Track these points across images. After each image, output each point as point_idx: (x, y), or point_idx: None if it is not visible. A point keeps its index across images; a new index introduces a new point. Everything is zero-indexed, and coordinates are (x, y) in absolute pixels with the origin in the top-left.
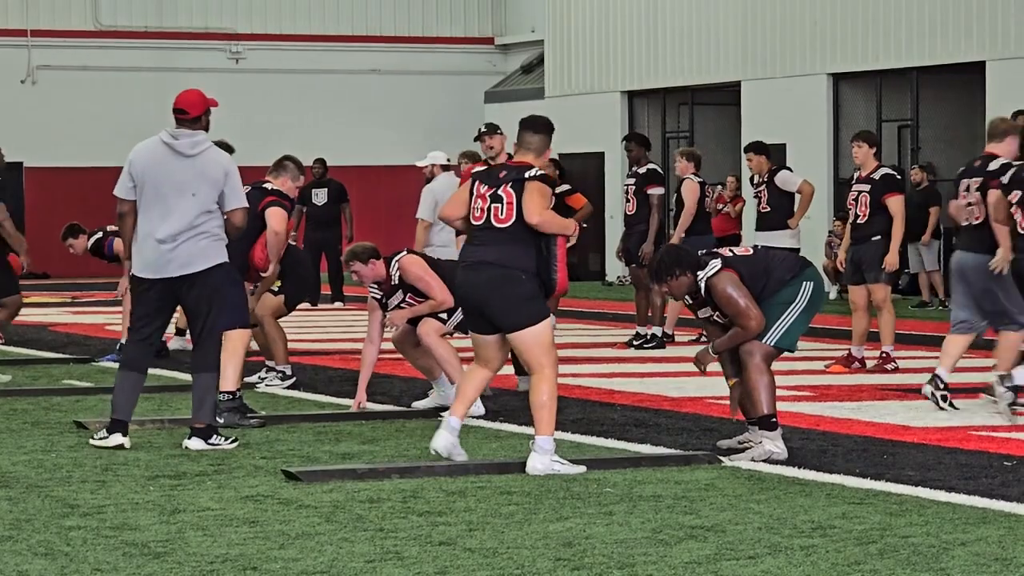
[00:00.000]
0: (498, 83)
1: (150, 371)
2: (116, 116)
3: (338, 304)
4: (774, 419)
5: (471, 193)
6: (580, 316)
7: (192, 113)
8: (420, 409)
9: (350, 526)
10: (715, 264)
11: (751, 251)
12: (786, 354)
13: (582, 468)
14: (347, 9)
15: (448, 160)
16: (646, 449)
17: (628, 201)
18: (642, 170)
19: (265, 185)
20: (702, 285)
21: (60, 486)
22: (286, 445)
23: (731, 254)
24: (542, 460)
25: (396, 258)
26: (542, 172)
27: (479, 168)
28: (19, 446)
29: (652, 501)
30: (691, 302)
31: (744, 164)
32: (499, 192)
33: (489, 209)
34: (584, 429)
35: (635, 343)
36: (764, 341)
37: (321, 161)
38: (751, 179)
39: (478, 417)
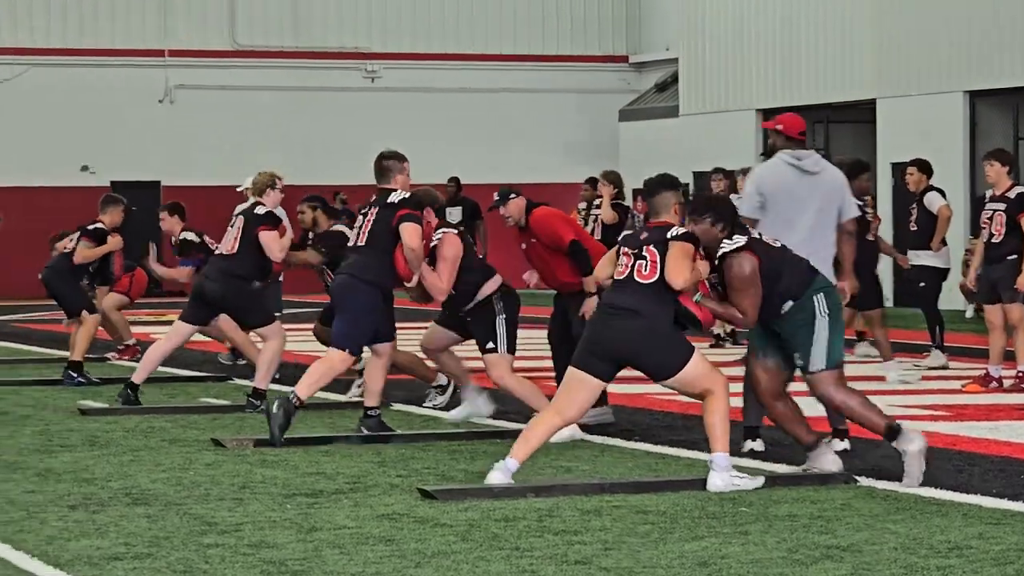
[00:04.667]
0: (632, 101)
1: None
2: (252, 135)
3: None
4: (894, 423)
5: (617, 255)
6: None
7: (802, 134)
8: (455, 420)
9: (486, 545)
10: (739, 241)
11: (775, 244)
12: (904, 382)
13: (760, 480)
14: (481, 28)
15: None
16: (782, 468)
17: None
18: None
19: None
20: (721, 251)
21: (198, 504)
22: (422, 463)
23: (758, 236)
24: (721, 477)
25: (445, 229)
26: (684, 231)
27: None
28: (157, 464)
29: (788, 520)
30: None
31: (879, 182)
32: (643, 252)
33: (633, 266)
34: None
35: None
36: (815, 370)
37: (455, 180)
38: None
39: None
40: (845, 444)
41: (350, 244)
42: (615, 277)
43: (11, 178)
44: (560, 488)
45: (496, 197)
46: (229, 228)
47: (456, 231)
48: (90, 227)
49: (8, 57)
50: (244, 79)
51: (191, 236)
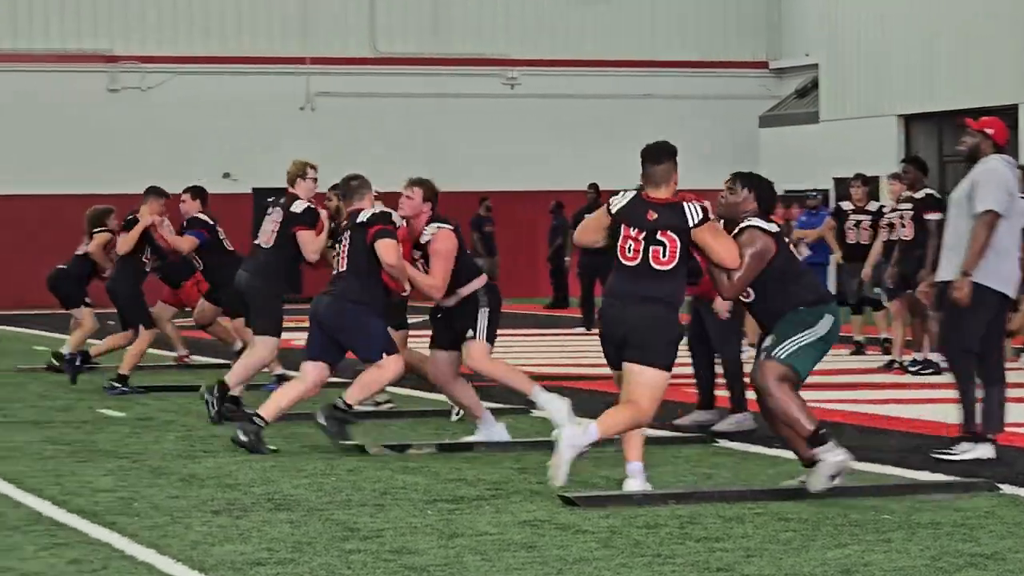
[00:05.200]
0: (772, 107)
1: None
2: (391, 142)
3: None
4: (821, 431)
5: (616, 232)
6: (842, 341)
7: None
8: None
9: (627, 552)
10: (771, 226)
11: (800, 256)
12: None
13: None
14: (622, 34)
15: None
16: (924, 476)
17: (904, 226)
18: (919, 195)
19: (361, 219)
20: (748, 223)
21: (340, 509)
22: None
23: (786, 241)
24: (568, 448)
25: (439, 224)
26: (702, 213)
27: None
28: (299, 469)
29: (931, 528)
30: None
31: None
32: (657, 236)
33: (646, 251)
34: (861, 456)
35: (911, 368)
36: (775, 354)
37: (594, 186)
38: None
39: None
40: (990, 451)
41: (334, 272)
42: (623, 262)
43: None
44: (702, 495)
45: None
46: (267, 216)
47: (451, 227)
48: (124, 220)
49: (152, 65)
50: (384, 86)
51: (203, 217)
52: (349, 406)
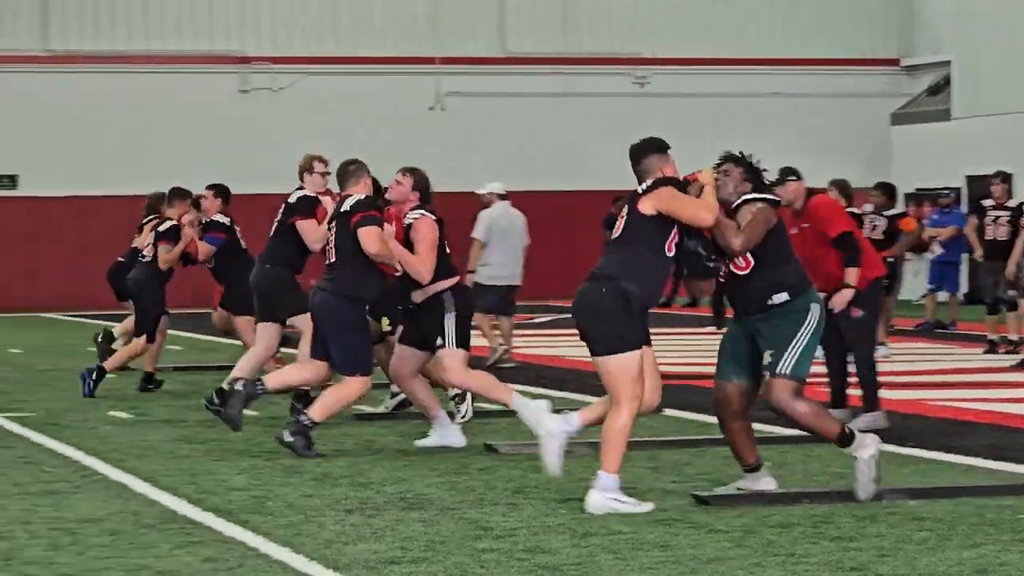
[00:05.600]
0: (903, 105)
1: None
2: (520, 141)
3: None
4: (848, 430)
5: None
6: (975, 339)
7: None
8: (427, 447)
9: (760, 551)
10: (773, 199)
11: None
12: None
13: (648, 507)
14: (751, 32)
15: (504, 191)
16: None
17: None
18: None
19: (344, 207)
20: (751, 196)
21: (472, 508)
22: (695, 469)
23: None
24: (599, 497)
25: (420, 210)
26: (655, 180)
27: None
28: (432, 468)
29: None
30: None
31: None
32: (623, 212)
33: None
34: (996, 455)
35: None
36: (779, 372)
37: None
38: None
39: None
40: None
41: (326, 261)
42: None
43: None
44: (835, 494)
45: (776, 176)
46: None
47: (434, 216)
48: (162, 228)
49: (283, 66)
50: (513, 86)
51: (221, 218)
52: (314, 423)
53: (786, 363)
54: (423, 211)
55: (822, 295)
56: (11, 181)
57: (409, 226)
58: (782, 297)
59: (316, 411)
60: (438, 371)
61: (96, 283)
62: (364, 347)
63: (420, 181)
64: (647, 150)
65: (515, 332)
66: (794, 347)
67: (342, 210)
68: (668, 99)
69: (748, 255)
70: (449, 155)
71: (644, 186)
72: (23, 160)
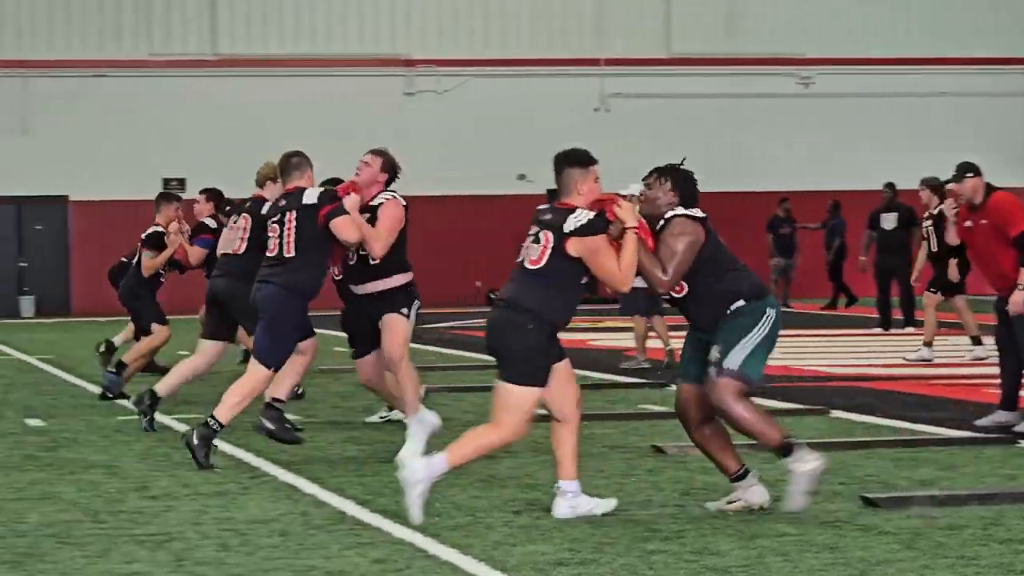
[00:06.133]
0: None
1: None
2: (685, 143)
3: (910, 329)
4: (789, 440)
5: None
6: None
7: None
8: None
9: (930, 553)
10: (696, 212)
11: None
12: None
13: (612, 503)
14: (915, 32)
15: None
16: None
17: None
18: None
19: (307, 201)
20: (673, 213)
21: (641, 510)
22: (863, 471)
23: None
24: (423, 472)
25: (390, 192)
26: (585, 221)
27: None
28: (599, 470)
29: None
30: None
31: None
32: (539, 235)
33: (527, 252)
34: None
35: None
36: (725, 365)
37: (890, 185)
38: None
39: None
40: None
41: (268, 252)
42: (516, 261)
43: (450, 186)
44: (1005, 496)
45: (954, 172)
46: (230, 224)
47: (404, 202)
48: (145, 234)
49: (449, 69)
50: (678, 87)
51: (209, 222)
52: (221, 425)
53: (733, 360)
54: (393, 194)
55: (995, 296)
56: (180, 184)
57: (377, 206)
58: (738, 304)
59: (221, 411)
60: (385, 337)
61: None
62: (288, 346)
63: (388, 163)
64: (568, 163)
65: (677, 335)
66: (743, 345)
67: (305, 203)
68: (832, 99)
69: (682, 282)
70: (613, 156)
71: (574, 224)
72: (192, 163)
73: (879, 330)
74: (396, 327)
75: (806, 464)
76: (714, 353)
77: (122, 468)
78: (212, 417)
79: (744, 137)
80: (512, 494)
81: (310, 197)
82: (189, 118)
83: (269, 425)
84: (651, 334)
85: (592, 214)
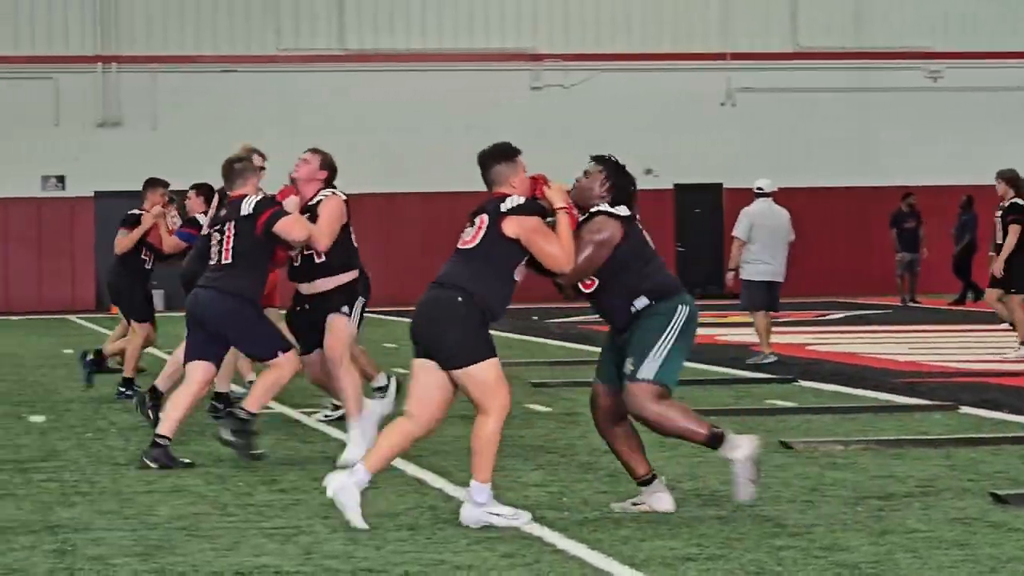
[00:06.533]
0: None
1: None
2: (812, 137)
3: None
4: (716, 430)
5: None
6: None
7: None
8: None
9: None
10: (622, 211)
11: (651, 245)
12: None
13: (526, 516)
14: None
15: (762, 188)
16: None
17: None
18: None
19: (245, 211)
20: (597, 208)
21: (769, 505)
22: (992, 467)
23: (640, 230)
24: (472, 512)
25: (331, 189)
26: (520, 202)
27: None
28: (727, 465)
29: None
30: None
31: None
32: (474, 220)
33: (462, 236)
34: None
35: None
36: (640, 377)
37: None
38: None
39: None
40: None
41: (211, 260)
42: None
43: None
44: None
45: None
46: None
47: (344, 197)
48: (125, 215)
49: (576, 63)
50: (804, 81)
51: (200, 218)
52: (252, 414)
53: (647, 371)
54: (333, 190)
55: None
56: None
57: (317, 204)
58: (643, 302)
59: (251, 402)
60: (327, 338)
61: (397, 280)
62: (271, 329)
63: (326, 161)
64: (494, 159)
65: (804, 330)
66: (656, 353)
67: (243, 214)
68: (962, 93)
69: (592, 276)
70: (739, 151)
71: (510, 204)
72: None
73: (1006, 326)
74: (337, 328)
75: (741, 450)
76: (628, 366)
77: (250, 462)
78: (242, 407)
79: (872, 131)
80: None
81: (247, 207)
82: (317, 113)
83: (229, 437)
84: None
85: (526, 198)
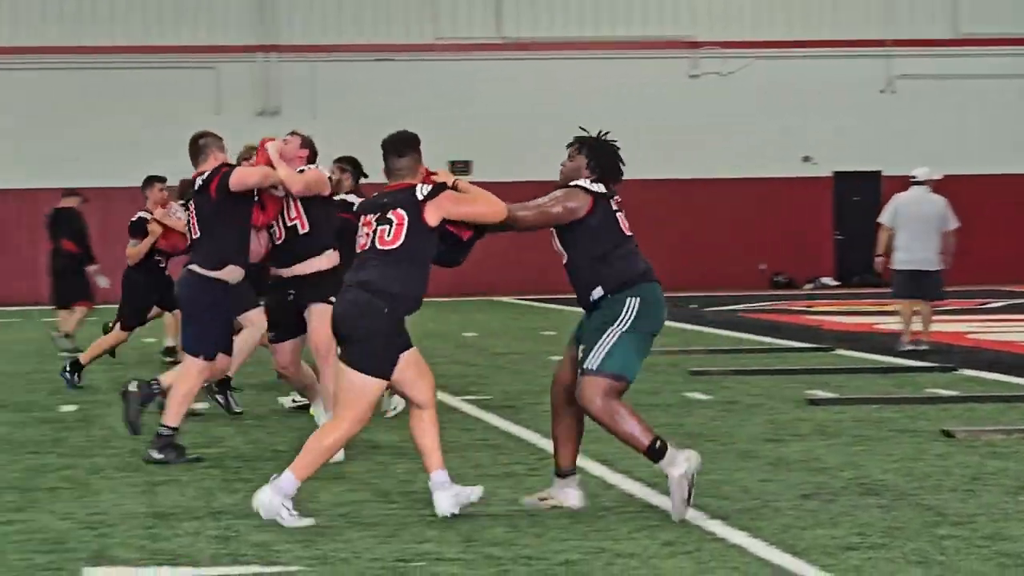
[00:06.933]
0: None
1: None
2: (973, 125)
3: None
4: (658, 443)
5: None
6: None
7: None
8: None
9: None
10: (598, 188)
11: (629, 234)
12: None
13: (308, 521)
14: None
15: (916, 176)
16: None
17: None
18: None
19: (198, 185)
20: (576, 183)
21: (930, 494)
22: None
23: (618, 219)
24: (272, 498)
25: (312, 166)
26: (434, 186)
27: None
28: (888, 454)
29: None
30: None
31: None
32: (387, 215)
33: (375, 233)
34: None
35: None
36: (587, 367)
37: None
38: None
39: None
40: None
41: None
42: (357, 251)
43: (734, 169)
44: None
45: None
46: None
47: (329, 174)
48: (131, 221)
49: (734, 51)
50: (965, 67)
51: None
52: (174, 428)
53: (594, 359)
54: (318, 166)
55: None
56: (465, 167)
57: (301, 170)
58: (598, 292)
59: (170, 417)
60: (312, 330)
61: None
62: (214, 329)
63: (307, 141)
64: (411, 144)
65: (965, 318)
66: (603, 343)
67: (196, 188)
68: None
69: (562, 250)
70: (899, 138)
71: (423, 192)
72: (477, 147)
73: None
74: (324, 317)
75: (678, 468)
76: (579, 354)
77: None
78: (162, 424)
79: None
80: (801, 477)
81: (199, 180)
82: (474, 102)
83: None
84: (933, 318)
85: (431, 185)
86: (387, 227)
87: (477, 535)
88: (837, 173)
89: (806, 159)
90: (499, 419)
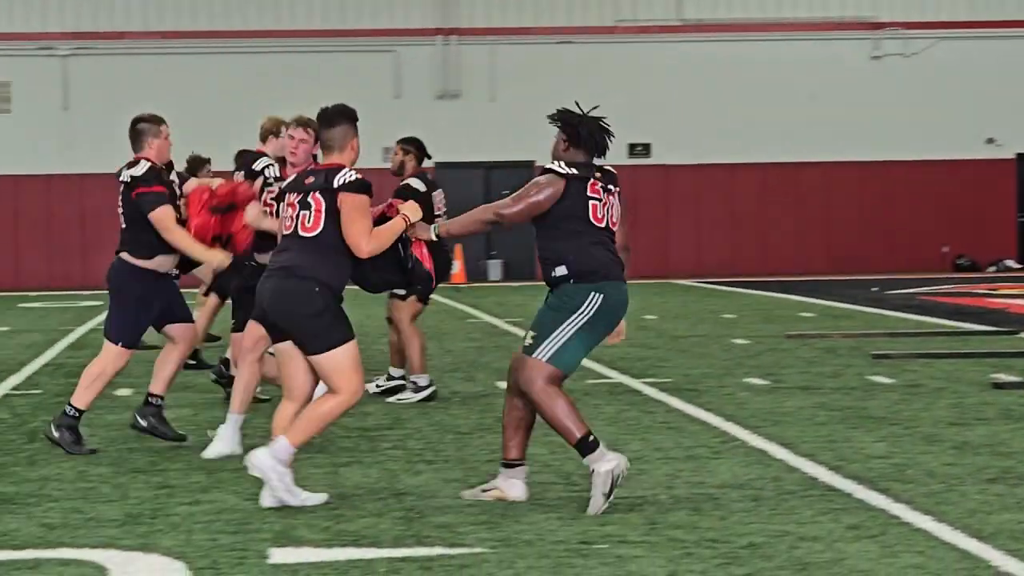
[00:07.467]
0: None
1: None
2: None
3: None
4: (591, 438)
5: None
6: None
7: None
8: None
9: None
10: (566, 170)
11: (611, 220)
12: None
13: (322, 497)
14: None
15: None
16: None
17: None
18: None
19: (123, 177)
20: (552, 167)
21: None
22: None
23: (596, 188)
24: (268, 461)
25: (318, 163)
26: (355, 179)
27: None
28: None
29: None
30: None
31: None
32: (308, 199)
33: (298, 217)
34: None
35: None
36: (536, 356)
37: None
38: None
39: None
40: None
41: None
42: (282, 232)
43: (913, 151)
44: None
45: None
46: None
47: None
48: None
49: (917, 31)
50: None
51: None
52: (79, 411)
53: (547, 350)
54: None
55: None
56: (645, 149)
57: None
58: (561, 270)
59: (78, 398)
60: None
61: (733, 251)
62: (138, 320)
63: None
64: (341, 118)
65: None
66: (558, 335)
67: (121, 179)
68: None
69: (533, 224)
70: None
71: (342, 179)
72: (656, 129)
73: None
74: None
75: (606, 464)
76: (527, 338)
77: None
78: (70, 404)
79: None
80: (986, 461)
81: (125, 175)
82: (654, 85)
83: (142, 422)
84: None
85: (359, 175)
86: (307, 212)
87: (660, 518)
88: (1020, 155)
89: (989, 140)
90: (680, 402)
